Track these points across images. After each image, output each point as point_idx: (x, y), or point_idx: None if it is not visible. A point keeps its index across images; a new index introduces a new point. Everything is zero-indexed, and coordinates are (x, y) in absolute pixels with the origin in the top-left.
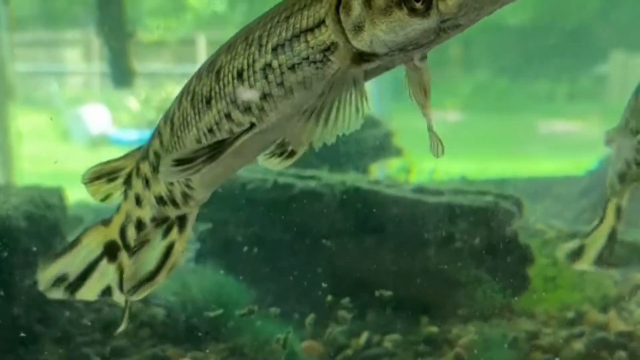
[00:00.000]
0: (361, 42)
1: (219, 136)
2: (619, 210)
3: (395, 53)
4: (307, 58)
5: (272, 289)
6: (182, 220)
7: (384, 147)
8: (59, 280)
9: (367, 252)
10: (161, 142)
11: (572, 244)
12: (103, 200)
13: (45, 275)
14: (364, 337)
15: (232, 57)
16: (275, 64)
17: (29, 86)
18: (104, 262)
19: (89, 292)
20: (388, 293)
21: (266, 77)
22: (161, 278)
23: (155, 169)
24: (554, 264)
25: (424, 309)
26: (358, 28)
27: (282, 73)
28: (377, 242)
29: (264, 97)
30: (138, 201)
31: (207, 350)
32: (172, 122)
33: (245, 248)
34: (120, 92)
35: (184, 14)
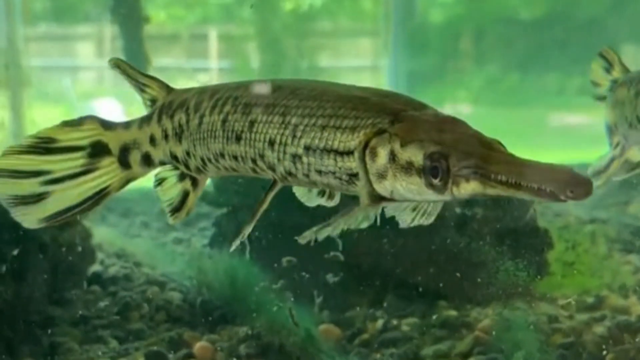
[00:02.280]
0: (382, 188)
1: (241, 164)
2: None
3: (412, 202)
4: (334, 173)
5: (287, 273)
6: (193, 179)
7: None
8: (49, 141)
9: (384, 236)
10: (187, 122)
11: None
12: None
13: (42, 132)
14: (381, 321)
15: (267, 121)
16: (304, 160)
17: (43, 80)
18: (80, 152)
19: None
20: (405, 276)
21: (294, 164)
22: (182, 216)
23: (177, 136)
24: (573, 248)
25: (442, 292)
26: (381, 177)
27: (309, 170)
28: (394, 226)
29: (289, 174)
30: (152, 141)
31: (223, 333)
32: (200, 119)
33: (261, 233)
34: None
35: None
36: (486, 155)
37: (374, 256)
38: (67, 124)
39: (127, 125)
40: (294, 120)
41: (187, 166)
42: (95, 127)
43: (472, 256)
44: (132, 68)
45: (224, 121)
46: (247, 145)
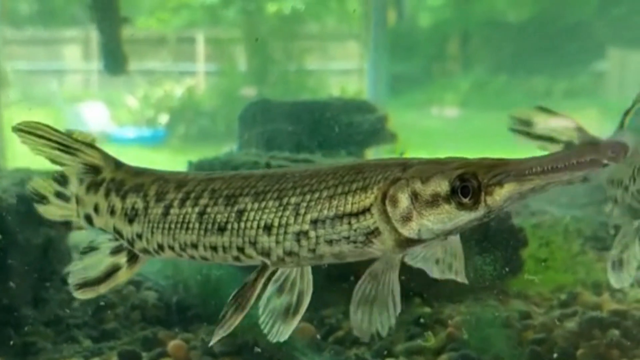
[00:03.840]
0: (409, 231)
1: (221, 255)
2: None
3: (441, 237)
4: (348, 238)
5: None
6: (132, 256)
7: (378, 132)
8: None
9: None
10: (145, 209)
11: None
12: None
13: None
14: None
15: (260, 208)
16: (312, 234)
17: (28, 84)
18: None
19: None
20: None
21: (298, 241)
22: (101, 290)
23: (127, 217)
24: (547, 246)
25: (417, 289)
26: (406, 219)
27: (317, 243)
28: None
29: (290, 254)
30: (96, 209)
31: (198, 332)
32: (166, 210)
33: None
34: (120, 89)
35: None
36: (507, 162)
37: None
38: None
39: (81, 180)
40: (293, 200)
41: (131, 244)
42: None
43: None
44: (56, 131)
45: (202, 214)
46: (233, 235)
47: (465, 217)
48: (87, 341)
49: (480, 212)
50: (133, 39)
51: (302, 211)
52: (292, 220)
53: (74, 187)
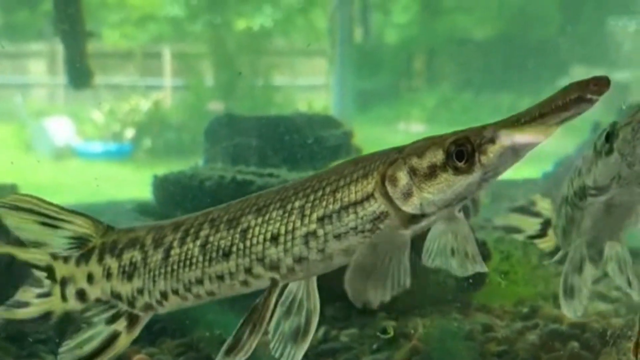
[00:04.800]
0: (411, 206)
1: (228, 283)
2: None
3: (443, 209)
4: (356, 228)
5: None
6: (132, 318)
7: (343, 147)
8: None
9: None
10: (143, 259)
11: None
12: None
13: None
14: (321, 331)
15: (264, 220)
16: (320, 232)
17: None
18: (43, 276)
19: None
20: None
21: (307, 244)
22: None
23: (125, 274)
24: (507, 259)
25: (381, 303)
26: (407, 195)
27: (326, 241)
28: None
29: (299, 260)
30: (90, 279)
31: (163, 346)
32: (166, 253)
33: None
34: (85, 103)
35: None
36: (497, 122)
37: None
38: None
39: (65, 258)
40: (298, 204)
41: (132, 304)
42: (46, 255)
43: (411, 268)
44: (48, 203)
45: (204, 245)
46: (240, 257)
47: (463, 182)
48: (51, 356)
49: (477, 173)
50: (100, 53)
51: (307, 212)
52: (298, 224)
53: (59, 271)
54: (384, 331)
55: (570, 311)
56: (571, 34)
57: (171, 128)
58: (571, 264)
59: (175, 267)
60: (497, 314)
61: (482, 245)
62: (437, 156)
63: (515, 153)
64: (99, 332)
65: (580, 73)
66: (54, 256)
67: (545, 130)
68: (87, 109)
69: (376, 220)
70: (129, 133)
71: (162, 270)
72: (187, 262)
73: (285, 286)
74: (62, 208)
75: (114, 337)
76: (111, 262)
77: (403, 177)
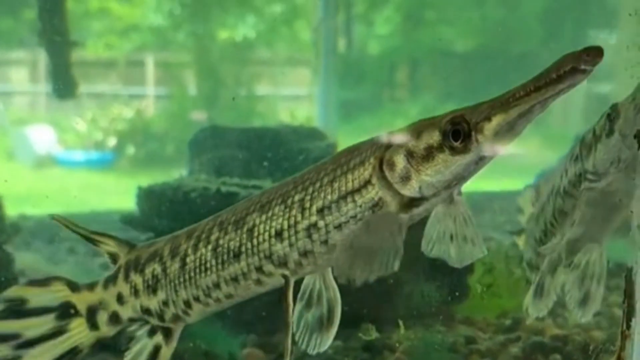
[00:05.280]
0: (410, 190)
1: (242, 284)
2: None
3: (442, 191)
4: (355, 216)
5: None
6: (166, 331)
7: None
8: (18, 302)
9: None
10: (164, 271)
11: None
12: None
13: (9, 292)
14: None
15: (268, 217)
16: (321, 224)
17: None
18: (52, 316)
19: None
20: None
21: (310, 237)
22: None
23: (150, 288)
24: (490, 272)
25: (366, 315)
26: (405, 179)
27: (327, 232)
28: None
29: (305, 254)
30: (120, 299)
31: None
32: (183, 261)
33: None
34: (67, 111)
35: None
36: (492, 99)
37: (299, 281)
38: (34, 284)
39: (91, 286)
40: (297, 197)
41: (161, 317)
42: (63, 288)
43: (395, 280)
44: (76, 225)
45: (215, 248)
46: (249, 256)
47: (460, 162)
48: None
49: (473, 152)
50: (82, 62)
51: (307, 205)
52: (299, 217)
53: (83, 302)
54: (366, 333)
55: (534, 309)
56: (552, 47)
57: (154, 137)
58: (548, 264)
59: (192, 274)
60: (480, 327)
61: None
62: (433, 137)
63: (512, 129)
64: (144, 346)
65: None
66: (73, 288)
67: (540, 104)
68: (69, 118)
69: (375, 207)
70: (111, 142)
71: (181, 279)
72: (202, 268)
73: (300, 282)
74: (90, 230)
75: (157, 349)
76: (136, 278)
77: (401, 161)
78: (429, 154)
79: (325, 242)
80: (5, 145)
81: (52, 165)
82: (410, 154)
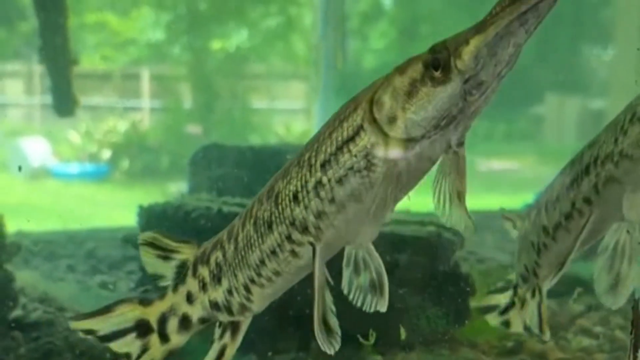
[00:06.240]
0: (397, 131)
1: (282, 257)
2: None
3: (432, 133)
4: (352, 168)
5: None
6: (235, 326)
7: None
8: (88, 333)
9: (310, 280)
10: (224, 256)
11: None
12: (153, 276)
13: (75, 326)
14: None
15: (287, 181)
16: (324, 179)
17: None
18: (132, 335)
19: (116, 347)
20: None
21: (318, 195)
22: None
23: (215, 278)
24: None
25: (368, 336)
26: (392, 119)
27: (331, 188)
28: None
29: (319, 215)
30: (189, 299)
31: None
32: (236, 241)
33: None
34: (62, 124)
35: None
36: (471, 26)
37: (302, 301)
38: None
39: (161, 296)
40: (307, 156)
41: (229, 310)
42: (134, 306)
43: (398, 301)
44: (163, 238)
45: (255, 222)
46: (279, 225)
47: (443, 94)
48: None
49: (455, 82)
50: (77, 74)
51: (312, 161)
52: (308, 176)
53: (154, 312)
54: (366, 337)
55: (611, 301)
56: (546, 62)
57: (149, 150)
58: (615, 249)
59: (243, 253)
60: (483, 349)
61: (466, 280)
62: (416, 70)
63: (495, 55)
64: (213, 349)
65: (554, 101)
66: (143, 302)
67: (521, 23)
68: (63, 130)
69: (368, 155)
70: (106, 154)
71: (237, 261)
72: (249, 245)
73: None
74: (172, 239)
75: (223, 349)
76: (203, 271)
77: (387, 100)
78: (412, 89)
79: (333, 200)
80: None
81: (46, 177)
82: (396, 92)
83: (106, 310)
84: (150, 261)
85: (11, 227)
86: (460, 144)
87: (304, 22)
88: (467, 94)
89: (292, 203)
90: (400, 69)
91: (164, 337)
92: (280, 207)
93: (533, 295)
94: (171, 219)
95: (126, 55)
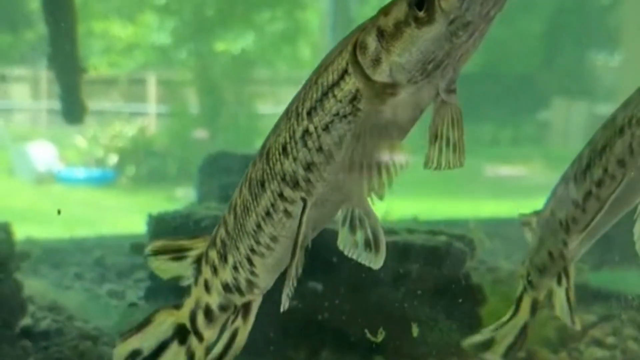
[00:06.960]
0: (382, 74)
1: (276, 218)
2: (535, 305)
3: (418, 77)
4: (338, 114)
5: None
6: (246, 308)
7: None
8: (134, 355)
9: (319, 291)
10: (226, 231)
11: (481, 336)
12: (172, 278)
13: (120, 350)
14: None
15: (277, 134)
16: (311, 128)
17: None
18: (175, 344)
19: None
20: (342, 331)
21: (306, 145)
22: None
23: (222, 257)
24: (504, 302)
25: (378, 348)
26: (376, 62)
27: (318, 136)
28: (330, 281)
29: (308, 167)
30: (207, 287)
31: None
32: (234, 210)
33: None
34: (68, 129)
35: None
36: None
37: (311, 311)
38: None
39: (189, 293)
40: (294, 106)
41: (239, 289)
42: (169, 312)
43: (408, 312)
44: (171, 246)
45: (250, 183)
46: (271, 183)
47: (427, 35)
48: None
49: (439, 23)
50: (84, 79)
51: (300, 109)
52: (296, 125)
53: (185, 316)
54: (374, 334)
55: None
56: (553, 67)
57: (155, 155)
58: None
59: (240, 220)
60: None
61: (477, 289)
62: (400, 10)
63: None
64: (225, 334)
65: (561, 105)
66: (177, 307)
67: None
68: (70, 135)
69: (354, 100)
70: (112, 159)
71: (236, 230)
72: (246, 210)
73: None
74: (183, 239)
75: (235, 332)
76: (212, 254)
77: (372, 42)
78: (397, 30)
79: (320, 148)
80: (6, 161)
81: (52, 182)
82: (381, 33)
83: (145, 322)
84: (163, 267)
85: (19, 231)
86: (451, 91)
87: (310, 26)
88: (453, 36)
89: (282, 156)
90: (385, 10)
91: (198, 336)
92: (271, 163)
93: (559, 282)
94: (180, 228)
95: (133, 60)
